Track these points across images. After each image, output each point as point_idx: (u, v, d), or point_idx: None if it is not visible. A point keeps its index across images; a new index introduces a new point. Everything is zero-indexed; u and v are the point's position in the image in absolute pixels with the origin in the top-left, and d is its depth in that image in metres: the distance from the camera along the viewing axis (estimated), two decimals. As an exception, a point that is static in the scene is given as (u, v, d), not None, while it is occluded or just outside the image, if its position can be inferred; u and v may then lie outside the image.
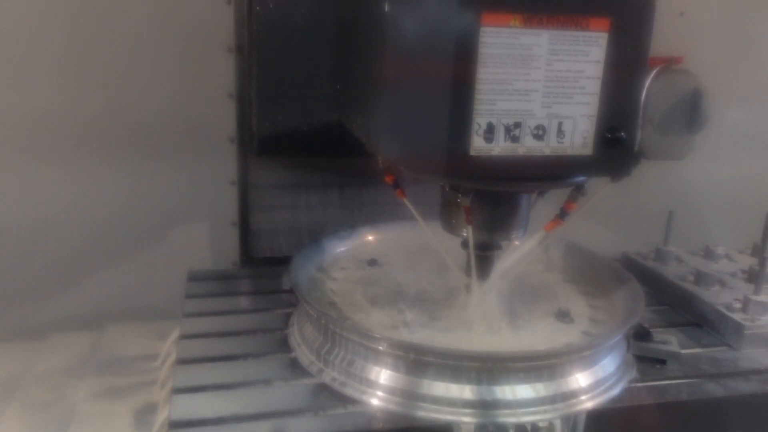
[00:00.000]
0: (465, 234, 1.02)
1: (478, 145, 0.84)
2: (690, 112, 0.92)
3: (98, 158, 1.38)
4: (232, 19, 1.36)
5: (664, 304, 1.30)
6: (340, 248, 1.33)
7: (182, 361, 1.04)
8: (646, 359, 1.08)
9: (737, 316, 1.15)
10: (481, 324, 1.07)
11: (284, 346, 1.09)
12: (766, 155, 1.77)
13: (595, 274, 1.26)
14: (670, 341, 1.10)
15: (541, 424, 0.92)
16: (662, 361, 1.08)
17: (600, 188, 1.00)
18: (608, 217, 1.54)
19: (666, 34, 1.44)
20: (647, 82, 0.89)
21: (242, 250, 1.48)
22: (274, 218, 1.46)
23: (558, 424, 0.92)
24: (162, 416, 1.05)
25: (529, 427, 0.91)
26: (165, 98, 1.39)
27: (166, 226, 1.46)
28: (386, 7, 0.88)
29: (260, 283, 1.36)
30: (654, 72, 0.90)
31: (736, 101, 1.67)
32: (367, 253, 1.34)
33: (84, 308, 1.42)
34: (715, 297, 1.23)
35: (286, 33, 1.24)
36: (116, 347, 1.29)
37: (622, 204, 1.52)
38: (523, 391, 0.94)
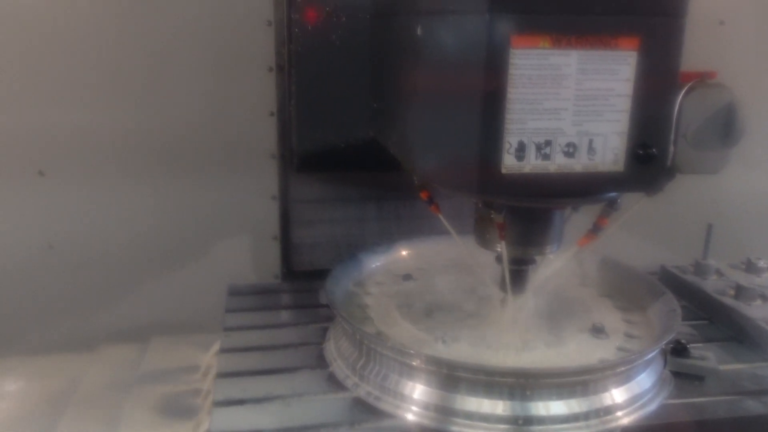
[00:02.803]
0: (499, 249, 1.03)
1: (509, 163, 0.85)
2: (724, 127, 0.91)
3: (145, 175, 1.44)
4: (272, 40, 1.40)
5: (703, 319, 1.28)
6: (375, 263, 1.35)
7: (222, 375, 1.07)
8: (683, 375, 1.07)
9: (779, 332, 1.13)
10: (516, 339, 1.08)
11: (321, 360, 1.11)
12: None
13: (631, 289, 1.25)
14: (708, 357, 1.08)
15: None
16: (700, 378, 1.06)
17: (635, 203, 1.00)
18: (647, 230, 1.54)
19: (706, 43, 1.44)
20: (680, 97, 0.89)
21: (283, 263, 1.52)
22: (314, 232, 1.49)
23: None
24: (203, 428, 1.08)
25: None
26: (209, 116, 1.43)
27: (210, 241, 1.50)
28: (419, 30, 0.91)
29: (299, 297, 1.39)
30: (687, 87, 0.90)
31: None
32: (403, 268, 1.36)
33: (131, 321, 1.47)
34: (756, 311, 1.20)
35: (324, 53, 1.28)
36: (161, 359, 1.33)
37: (660, 217, 1.51)
38: (557, 407, 0.94)
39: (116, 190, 1.43)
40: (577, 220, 1.08)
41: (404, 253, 1.40)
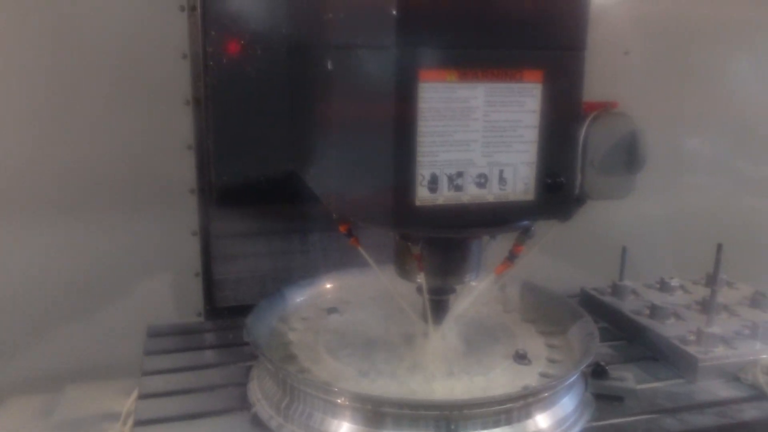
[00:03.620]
0: (419, 280, 1.03)
1: (422, 195, 0.86)
2: (628, 153, 0.95)
3: (57, 214, 1.38)
4: (188, 73, 1.38)
5: (621, 339, 1.31)
6: (299, 298, 1.33)
7: (140, 423, 1.02)
8: (604, 397, 1.08)
9: (691, 349, 1.17)
10: (440, 370, 1.08)
11: (244, 401, 1.07)
12: (715, 186, 1.83)
13: (552, 313, 1.28)
14: (626, 378, 1.10)
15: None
16: (620, 398, 1.08)
17: (549, 229, 1.03)
18: (568, 254, 1.58)
19: (612, 72, 1.50)
20: (585, 127, 0.93)
21: (206, 300, 1.48)
22: (238, 267, 1.46)
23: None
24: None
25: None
26: (125, 152, 1.39)
27: (129, 280, 1.45)
28: (329, 65, 0.91)
29: (221, 335, 1.34)
30: (592, 116, 0.93)
31: (683, 135, 1.73)
32: (328, 301, 1.34)
33: (42, 369, 1.39)
34: (670, 330, 1.24)
35: (240, 86, 1.27)
36: (77, 407, 1.26)
37: (580, 241, 1.55)
38: (482, 436, 0.94)
39: (25, 229, 1.36)
40: (497, 247, 1.10)
41: (329, 286, 1.38)
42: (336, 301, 1.34)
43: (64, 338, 1.42)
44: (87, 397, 1.29)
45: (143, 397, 1.10)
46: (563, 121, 0.90)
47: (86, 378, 1.36)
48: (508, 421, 0.96)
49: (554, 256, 1.50)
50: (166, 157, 1.42)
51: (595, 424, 1.03)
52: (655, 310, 1.30)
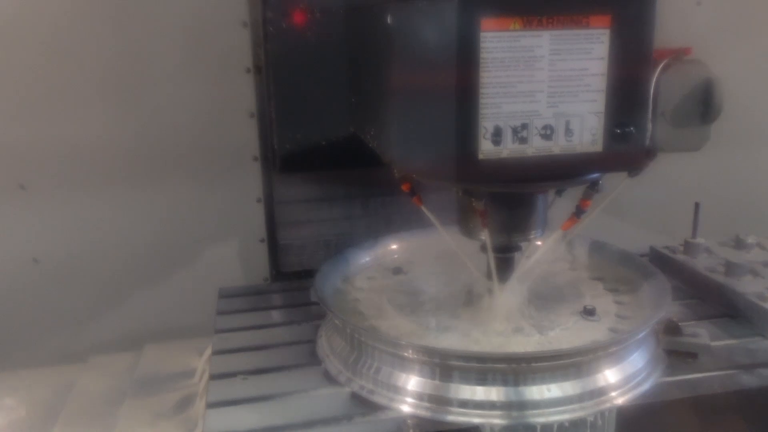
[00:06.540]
0: (483, 238, 1.03)
1: (486, 148, 0.84)
2: (703, 103, 0.91)
3: (129, 184, 1.43)
4: (249, 41, 1.40)
5: (695, 298, 1.28)
6: (364, 258, 1.35)
7: (215, 377, 1.07)
8: (677, 354, 1.06)
9: (770, 305, 1.13)
10: (507, 326, 1.07)
11: (314, 357, 1.11)
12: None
13: (620, 271, 1.25)
14: (700, 334, 1.08)
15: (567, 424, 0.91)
16: (693, 355, 1.06)
17: (618, 184, 1.00)
18: (636, 212, 1.54)
19: (684, 24, 1.44)
20: (656, 75, 0.89)
21: (272, 265, 1.52)
22: (301, 233, 1.48)
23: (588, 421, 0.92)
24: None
25: (556, 427, 0.91)
26: (189, 121, 1.43)
27: (198, 246, 1.50)
28: (389, 20, 0.90)
29: (289, 296, 1.38)
30: (663, 64, 0.90)
31: (759, 90, 1.64)
32: (392, 262, 1.35)
33: (123, 330, 1.47)
34: (747, 287, 1.20)
35: (300, 51, 1.28)
36: (155, 366, 1.32)
37: (649, 198, 1.50)
38: (550, 391, 0.93)
39: (99, 200, 1.42)
40: (564, 203, 1.08)
41: (394, 247, 1.39)
42: (401, 262, 1.35)
43: (140, 301, 1.49)
44: (165, 355, 1.35)
45: (217, 353, 1.14)
46: (633, 68, 0.86)
47: (163, 338, 1.42)
48: (578, 376, 0.95)
49: (622, 215, 1.47)
50: (230, 126, 1.45)
51: (668, 379, 1.01)
52: (730, 267, 1.25)
